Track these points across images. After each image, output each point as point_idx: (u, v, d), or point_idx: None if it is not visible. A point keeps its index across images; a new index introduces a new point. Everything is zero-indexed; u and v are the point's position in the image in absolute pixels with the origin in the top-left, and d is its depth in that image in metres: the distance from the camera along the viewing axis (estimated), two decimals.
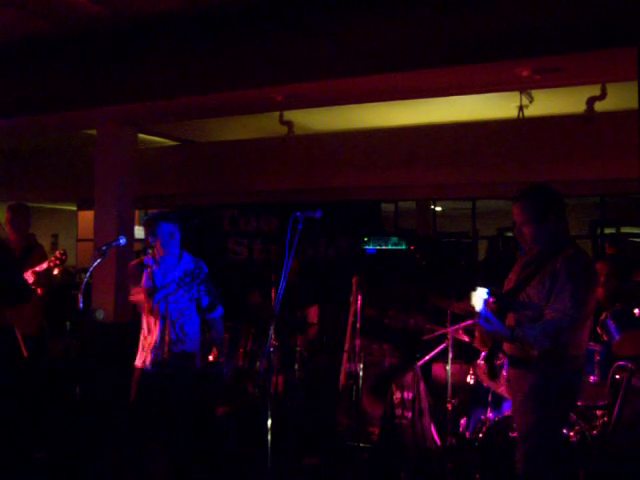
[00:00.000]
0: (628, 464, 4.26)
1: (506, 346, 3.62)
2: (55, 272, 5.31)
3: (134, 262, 4.47)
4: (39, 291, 5.35)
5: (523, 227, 3.60)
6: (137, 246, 9.62)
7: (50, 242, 15.16)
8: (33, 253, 5.66)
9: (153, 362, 4.28)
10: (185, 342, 4.35)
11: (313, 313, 7.04)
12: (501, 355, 3.91)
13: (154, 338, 4.30)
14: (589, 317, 3.51)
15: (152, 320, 4.33)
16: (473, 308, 3.50)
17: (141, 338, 4.41)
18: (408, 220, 12.74)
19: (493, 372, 4.15)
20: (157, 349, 4.28)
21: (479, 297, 3.44)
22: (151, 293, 4.30)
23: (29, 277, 5.26)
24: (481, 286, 3.57)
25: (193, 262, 4.45)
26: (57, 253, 5.20)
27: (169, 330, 4.28)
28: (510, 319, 3.59)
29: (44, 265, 5.22)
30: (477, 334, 4.09)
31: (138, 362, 4.37)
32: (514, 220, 3.66)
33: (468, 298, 3.63)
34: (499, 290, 3.71)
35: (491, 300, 3.58)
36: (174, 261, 4.39)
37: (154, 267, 4.35)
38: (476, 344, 3.86)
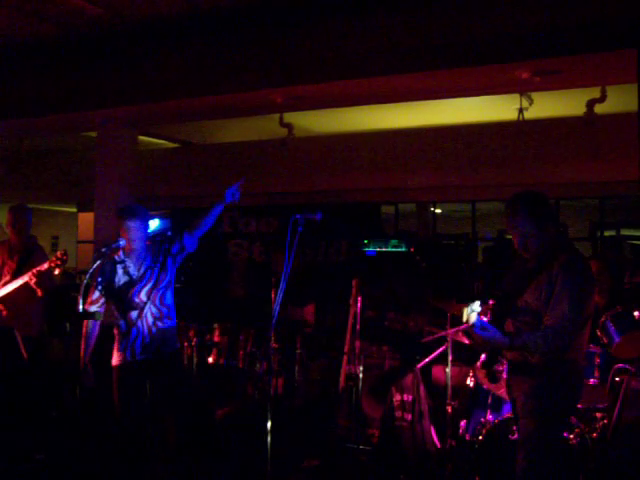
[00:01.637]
0: (628, 467, 4.25)
1: (506, 351, 3.62)
2: (56, 272, 5.32)
3: (101, 264, 4.34)
4: (39, 292, 5.35)
5: (527, 239, 3.58)
6: None
7: (50, 244, 15.15)
8: (34, 255, 5.66)
9: (141, 348, 4.27)
10: (170, 317, 4.38)
11: (308, 311, 7.04)
12: (502, 360, 3.91)
13: (137, 327, 4.28)
14: (588, 320, 3.51)
15: (132, 313, 4.29)
16: (467, 323, 3.47)
17: (119, 338, 4.36)
18: (408, 222, 12.73)
19: (493, 376, 4.15)
20: (141, 333, 4.28)
21: (472, 311, 3.41)
22: (129, 287, 4.29)
23: (30, 278, 5.25)
24: (478, 289, 3.57)
25: (156, 243, 4.45)
26: (58, 253, 5.21)
27: (151, 311, 4.29)
28: (509, 325, 3.59)
29: (45, 265, 5.23)
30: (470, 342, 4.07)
31: (117, 360, 4.33)
32: (514, 233, 3.63)
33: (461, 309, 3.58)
34: (498, 292, 3.71)
35: (491, 302, 3.58)
36: (143, 252, 4.38)
37: (127, 261, 4.35)
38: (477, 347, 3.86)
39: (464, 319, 3.45)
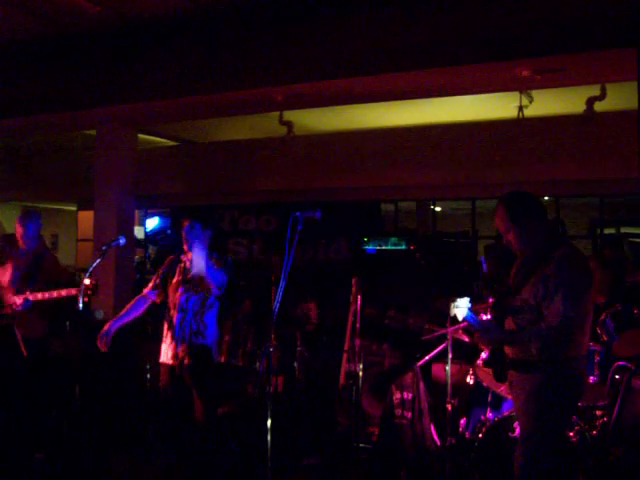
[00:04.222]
0: (627, 465, 4.25)
1: (508, 349, 3.62)
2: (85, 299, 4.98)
3: (171, 257, 4.60)
4: (32, 297, 5.26)
5: (506, 235, 3.64)
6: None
7: (50, 242, 15.14)
8: (44, 261, 5.55)
9: (173, 355, 4.36)
10: (205, 335, 4.41)
11: (312, 309, 7.04)
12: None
13: (174, 329, 4.37)
14: (588, 316, 3.51)
15: (174, 314, 4.40)
16: (455, 317, 3.47)
17: (164, 334, 4.47)
18: (408, 220, 12.74)
19: (500, 375, 4.13)
20: (176, 340, 4.36)
21: (460, 307, 3.41)
22: (177, 286, 4.42)
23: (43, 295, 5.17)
24: (479, 287, 3.57)
25: (220, 275, 4.43)
26: (89, 283, 4.70)
27: (189, 322, 4.37)
28: (510, 323, 3.60)
29: (73, 291, 5.07)
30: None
31: (163, 358, 4.43)
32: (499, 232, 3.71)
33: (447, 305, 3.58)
34: (500, 288, 3.71)
35: (491, 301, 3.58)
36: (201, 262, 4.38)
37: (187, 263, 4.43)
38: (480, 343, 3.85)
39: (451, 314, 3.47)
